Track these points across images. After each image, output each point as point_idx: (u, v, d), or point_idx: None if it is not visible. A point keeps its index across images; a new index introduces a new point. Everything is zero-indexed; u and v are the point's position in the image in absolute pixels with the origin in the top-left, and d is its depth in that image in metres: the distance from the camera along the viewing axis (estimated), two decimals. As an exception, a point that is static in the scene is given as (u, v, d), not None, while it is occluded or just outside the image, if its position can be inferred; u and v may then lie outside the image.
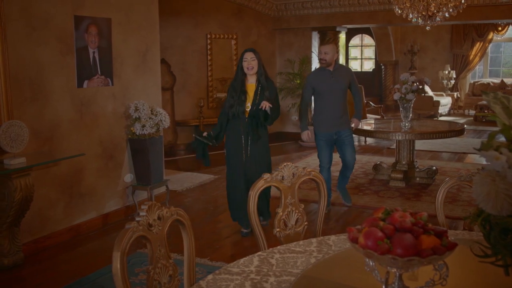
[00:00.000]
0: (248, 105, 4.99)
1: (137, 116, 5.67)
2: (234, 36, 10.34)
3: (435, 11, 6.51)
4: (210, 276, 2.04)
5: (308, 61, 10.86)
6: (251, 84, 5.03)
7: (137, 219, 1.93)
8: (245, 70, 4.94)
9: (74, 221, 5.27)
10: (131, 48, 5.90)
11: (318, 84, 5.66)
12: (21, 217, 4.43)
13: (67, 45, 5.07)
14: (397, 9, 6.86)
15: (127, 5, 5.81)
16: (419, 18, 6.73)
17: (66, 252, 4.89)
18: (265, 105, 4.86)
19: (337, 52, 5.75)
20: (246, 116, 5.00)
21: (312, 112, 5.97)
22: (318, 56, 5.62)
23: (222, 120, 5.11)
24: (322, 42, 11.09)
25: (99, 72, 5.46)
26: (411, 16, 6.77)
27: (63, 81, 5.06)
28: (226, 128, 5.11)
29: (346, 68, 5.94)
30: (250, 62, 4.92)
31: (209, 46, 9.95)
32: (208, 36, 9.92)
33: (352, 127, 5.92)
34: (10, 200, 4.26)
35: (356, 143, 10.82)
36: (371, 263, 1.63)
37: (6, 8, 4.37)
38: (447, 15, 6.64)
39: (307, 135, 5.80)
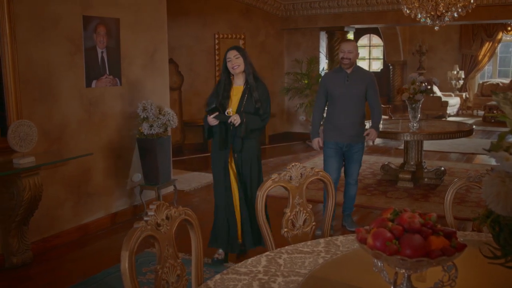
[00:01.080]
0: (230, 110, 4.34)
1: (145, 116, 5.68)
2: (242, 36, 10.34)
3: (443, 11, 6.48)
4: (218, 276, 2.04)
5: (316, 61, 10.84)
6: (238, 86, 4.42)
7: (145, 218, 1.94)
8: (231, 70, 4.36)
9: (82, 220, 5.30)
10: (139, 48, 5.91)
11: (332, 87, 5.07)
12: (30, 216, 4.45)
13: (75, 45, 5.09)
14: (405, 9, 6.84)
15: (135, 5, 5.82)
16: (428, 18, 6.70)
17: (74, 251, 4.90)
18: (234, 120, 4.22)
19: (358, 52, 5.15)
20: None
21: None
22: (340, 56, 4.97)
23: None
24: (330, 42, 11.06)
25: (108, 72, 5.47)
26: (419, 16, 6.74)
27: (72, 81, 5.08)
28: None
29: (365, 71, 5.24)
30: (234, 61, 4.32)
31: (217, 46, 9.95)
32: (216, 36, 9.92)
33: (367, 138, 5.27)
34: (19, 199, 4.28)
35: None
36: (379, 264, 1.62)
37: (15, 8, 4.39)
38: (456, 15, 6.61)
39: (317, 143, 5.21)
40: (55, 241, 4.96)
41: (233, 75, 4.41)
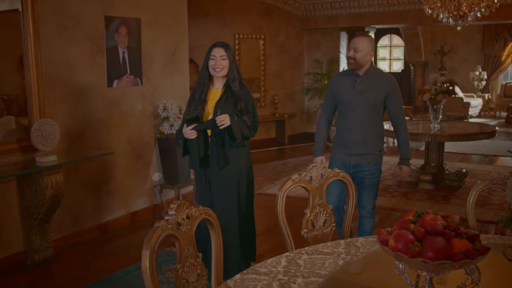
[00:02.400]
0: (210, 117, 3.70)
1: (166, 116, 5.72)
2: (262, 36, 10.34)
3: (466, 11, 6.40)
4: (237, 276, 2.04)
5: (336, 61, 10.80)
6: (217, 90, 3.76)
7: (166, 218, 1.95)
8: (211, 71, 3.68)
9: (102, 218, 5.34)
10: (160, 48, 5.94)
11: (339, 92, 4.07)
12: (51, 214, 4.51)
13: (97, 45, 5.14)
14: (427, 9, 6.77)
15: (156, 5, 5.86)
16: (450, 18, 6.62)
17: (95, 249, 4.95)
18: (221, 122, 3.58)
19: (374, 49, 4.04)
20: (208, 135, 3.69)
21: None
22: (346, 54, 4.09)
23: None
24: (350, 42, 10.97)
25: (129, 72, 5.51)
26: (441, 16, 6.67)
27: (93, 80, 5.13)
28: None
29: (384, 75, 4.14)
30: (219, 62, 3.65)
31: (237, 47, 9.97)
32: (236, 36, 9.94)
33: (398, 177, 4.25)
34: (41, 197, 4.34)
35: (384, 144, 10.73)
36: (400, 266, 1.61)
37: (39, 9, 4.45)
38: (479, 15, 6.52)
39: (320, 163, 3.54)
40: (76, 239, 5.01)
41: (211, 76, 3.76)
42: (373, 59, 4.04)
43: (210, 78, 3.76)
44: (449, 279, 1.75)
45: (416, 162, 7.97)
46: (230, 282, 1.99)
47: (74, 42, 4.90)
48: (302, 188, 2.76)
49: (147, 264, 1.82)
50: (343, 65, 11.06)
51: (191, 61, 8.79)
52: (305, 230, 2.70)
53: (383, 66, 18.70)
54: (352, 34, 10.92)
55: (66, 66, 4.85)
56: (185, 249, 2.00)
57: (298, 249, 2.37)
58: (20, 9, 4.34)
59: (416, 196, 6.61)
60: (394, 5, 10.16)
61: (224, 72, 3.70)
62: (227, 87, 3.74)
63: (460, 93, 13.69)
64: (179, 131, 3.75)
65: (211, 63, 3.68)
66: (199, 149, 3.66)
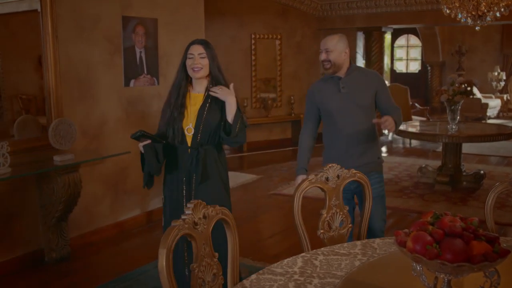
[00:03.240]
0: (190, 126, 3.24)
1: (182, 115, 5.73)
2: (279, 37, 10.33)
3: (485, 10, 6.34)
4: (253, 276, 2.04)
5: (352, 61, 10.74)
6: (198, 94, 3.28)
7: (183, 217, 1.95)
8: (189, 71, 3.23)
9: (119, 217, 5.38)
10: (177, 48, 5.96)
11: (322, 101, 3.59)
12: (68, 212, 4.55)
13: (115, 45, 5.18)
14: (445, 9, 6.71)
15: (173, 5, 5.88)
16: (469, 18, 6.56)
17: (111, 247, 4.98)
18: (219, 90, 3.19)
19: (347, 46, 3.58)
20: (188, 145, 3.24)
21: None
22: (319, 59, 3.60)
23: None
24: (367, 42, 10.92)
25: (145, 72, 5.55)
26: (460, 16, 6.61)
27: (111, 80, 5.17)
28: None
29: (368, 71, 3.76)
30: (197, 61, 3.20)
31: (253, 46, 9.98)
32: (253, 36, 9.95)
33: (382, 126, 3.44)
34: (59, 196, 4.38)
35: (400, 145, 10.68)
36: (418, 268, 1.59)
37: (58, 9, 4.49)
38: (498, 14, 6.45)
39: (301, 182, 2.96)
40: (92, 237, 5.05)
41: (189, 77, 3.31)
42: (388, 59, 3.76)
43: (188, 79, 3.31)
44: (468, 282, 1.73)
45: (433, 163, 7.91)
46: (246, 282, 1.99)
47: (92, 42, 4.94)
48: (318, 189, 2.75)
49: (164, 263, 1.82)
50: (360, 65, 11.00)
51: (207, 61, 8.82)
52: (322, 231, 2.69)
53: (400, 66, 18.59)
54: (369, 34, 10.89)
55: (84, 66, 4.89)
56: (201, 249, 2.00)
57: (314, 250, 2.36)
58: (39, 10, 4.39)
59: (433, 197, 6.55)
60: (412, 5, 10.09)
61: (204, 72, 3.25)
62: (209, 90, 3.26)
63: (478, 94, 13.55)
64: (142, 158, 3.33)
65: (188, 62, 3.24)
66: (158, 159, 3.26)
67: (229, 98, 3.20)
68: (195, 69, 3.21)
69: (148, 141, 3.20)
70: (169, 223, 3.01)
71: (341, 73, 3.55)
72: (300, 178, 3.49)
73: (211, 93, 3.20)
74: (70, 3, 4.70)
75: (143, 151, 3.26)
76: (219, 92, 3.18)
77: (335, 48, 3.50)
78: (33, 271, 4.39)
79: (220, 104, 3.24)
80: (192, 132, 3.23)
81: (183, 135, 3.25)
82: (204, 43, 3.29)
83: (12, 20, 4.61)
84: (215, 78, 3.29)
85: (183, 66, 3.27)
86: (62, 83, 4.60)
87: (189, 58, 3.24)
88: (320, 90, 3.65)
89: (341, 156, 3.47)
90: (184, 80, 3.30)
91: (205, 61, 3.24)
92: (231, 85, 3.25)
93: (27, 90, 4.92)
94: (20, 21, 4.74)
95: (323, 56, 3.52)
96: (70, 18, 4.71)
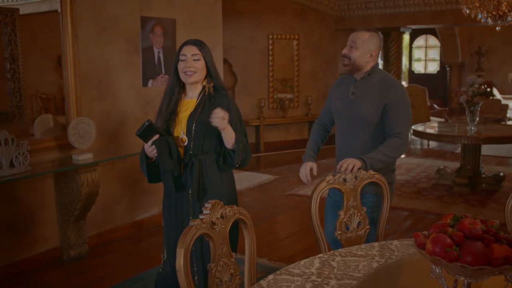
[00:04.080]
0: (182, 135, 2.85)
1: (199, 115, 5.75)
2: (296, 37, 10.32)
3: (506, 10, 6.26)
4: (271, 276, 2.04)
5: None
6: (190, 100, 2.91)
7: (201, 217, 1.96)
8: (182, 76, 2.84)
9: (136, 216, 5.41)
10: (194, 48, 5.99)
11: (333, 99, 3.27)
12: (87, 211, 4.59)
13: (133, 45, 5.21)
14: (465, 9, 6.64)
15: (191, 5, 5.90)
16: (489, 18, 6.49)
17: (128, 246, 5.01)
18: (219, 116, 2.67)
19: (378, 49, 3.13)
20: (181, 156, 2.87)
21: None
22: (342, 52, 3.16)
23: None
24: (385, 43, 10.84)
25: (163, 72, 5.57)
26: (480, 16, 6.54)
27: (129, 80, 5.20)
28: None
29: (386, 80, 3.11)
30: (190, 63, 2.80)
31: (270, 47, 9.98)
32: (270, 36, 9.95)
33: (339, 167, 2.85)
34: (77, 194, 4.42)
35: (417, 146, 10.60)
36: (437, 270, 1.58)
37: (77, 10, 4.54)
38: (519, 14, 6.37)
39: (306, 171, 3.19)
40: (110, 235, 5.09)
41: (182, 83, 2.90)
42: (406, 59, 3.05)
43: (181, 85, 2.91)
44: (488, 285, 1.71)
45: (452, 165, 7.83)
46: (263, 282, 1.99)
47: (111, 42, 4.98)
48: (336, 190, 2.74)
49: (181, 262, 1.83)
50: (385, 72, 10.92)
51: (225, 61, 8.84)
52: (339, 232, 2.68)
53: (418, 67, 18.44)
54: (388, 34, 10.81)
55: (102, 66, 4.93)
56: (218, 248, 2.01)
57: (332, 251, 2.35)
58: (59, 10, 4.44)
59: (451, 199, 6.48)
60: (431, 5, 10.00)
61: (198, 76, 2.84)
62: (203, 95, 2.88)
63: (498, 95, 13.37)
64: (142, 151, 2.91)
65: (180, 65, 2.83)
66: (171, 154, 2.79)
67: (222, 127, 2.71)
68: (188, 73, 2.81)
69: (157, 136, 2.76)
70: (167, 243, 3.02)
71: (359, 75, 3.11)
72: (307, 165, 3.16)
73: (216, 116, 2.67)
74: (90, 4, 4.74)
75: (151, 152, 2.79)
76: (222, 118, 2.67)
77: (362, 45, 3.05)
78: (52, 269, 4.44)
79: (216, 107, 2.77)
80: (186, 142, 2.84)
81: (175, 146, 2.85)
82: (199, 43, 2.89)
83: (32, 21, 4.67)
84: (213, 81, 2.90)
85: (175, 70, 2.87)
86: (81, 83, 4.64)
87: (181, 60, 2.83)
88: (336, 88, 3.30)
89: (337, 161, 3.12)
90: (177, 86, 2.90)
91: (200, 64, 2.83)
92: (218, 110, 2.68)
93: (47, 89, 4.97)
94: (40, 21, 4.80)
95: (345, 50, 3.11)
96: (90, 19, 4.75)
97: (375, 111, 3.02)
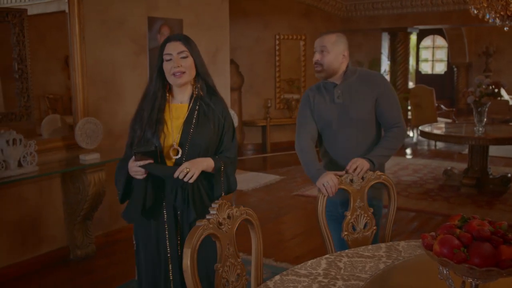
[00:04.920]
0: (174, 146, 2.47)
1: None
2: (303, 37, 10.31)
3: (514, 11, 6.22)
4: (277, 277, 2.04)
5: (377, 63, 10.67)
6: (181, 104, 2.54)
7: (207, 217, 1.96)
8: (170, 79, 2.48)
9: (143, 216, 5.41)
10: (201, 48, 5.92)
11: (318, 109, 3.03)
12: (94, 210, 4.60)
13: (140, 46, 5.22)
14: (473, 9, 6.61)
15: (198, 6, 5.91)
16: (497, 19, 6.45)
17: (135, 246, 5.02)
18: (185, 174, 2.34)
19: (347, 48, 3.02)
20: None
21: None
22: (313, 60, 3.04)
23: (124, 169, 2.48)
24: (392, 43, 10.81)
25: (170, 72, 5.58)
26: (488, 16, 6.50)
27: (136, 80, 5.21)
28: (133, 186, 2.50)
29: (368, 75, 3.05)
30: (178, 62, 2.45)
31: (277, 47, 9.97)
32: (277, 37, 9.94)
33: (348, 168, 2.78)
34: (85, 194, 4.43)
35: (425, 147, 10.56)
36: (445, 272, 1.57)
37: (85, 10, 4.55)
38: (527, 15, 6.33)
39: (330, 183, 2.69)
40: (117, 235, 5.10)
41: (169, 83, 2.53)
42: (413, 60, 2.91)
43: (166, 88, 2.54)
44: (496, 287, 1.70)
45: (459, 166, 7.80)
46: (270, 282, 1.99)
47: (118, 42, 4.99)
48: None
49: (188, 262, 1.83)
50: (385, 67, 10.91)
51: (232, 61, 8.85)
52: (345, 233, 2.68)
53: (426, 67, 18.37)
54: (394, 35, 10.77)
55: (109, 66, 4.94)
56: (225, 249, 2.01)
57: (338, 252, 2.35)
58: (66, 11, 4.46)
59: (458, 200, 6.46)
60: (438, 5, 9.97)
61: (188, 76, 2.50)
62: (196, 99, 2.54)
63: (505, 96, 13.31)
64: (121, 165, 2.52)
65: (166, 66, 2.46)
66: (146, 195, 2.44)
67: (197, 172, 2.38)
68: (177, 74, 2.44)
69: (150, 160, 2.36)
70: (143, 274, 2.55)
71: (337, 79, 2.98)
72: (325, 179, 2.71)
73: (182, 175, 2.34)
74: (97, 5, 4.76)
75: (137, 173, 2.38)
76: (190, 173, 2.35)
77: (333, 48, 2.94)
78: (59, 268, 4.45)
79: (212, 117, 2.52)
80: (179, 155, 2.44)
81: (163, 159, 2.45)
82: (183, 39, 2.54)
83: (40, 21, 4.69)
84: (204, 81, 2.59)
85: (159, 71, 2.50)
86: (89, 83, 4.65)
87: (167, 60, 2.46)
88: (315, 96, 3.06)
89: (317, 174, 2.82)
90: (160, 90, 2.51)
91: (188, 62, 2.48)
92: (181, 169, 2.35)
93: (54, 89, 5.00)
94: (48, 22, 4.82)
95: (316, 56, 2.97)
96: (97, 19, 4.76)
97: (367, 107, 2.94)
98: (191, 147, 2.47)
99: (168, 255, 2.50)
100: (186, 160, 2.42)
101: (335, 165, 2.98)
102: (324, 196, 2.64)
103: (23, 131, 4.08)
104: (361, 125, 2.95)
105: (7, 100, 4.37)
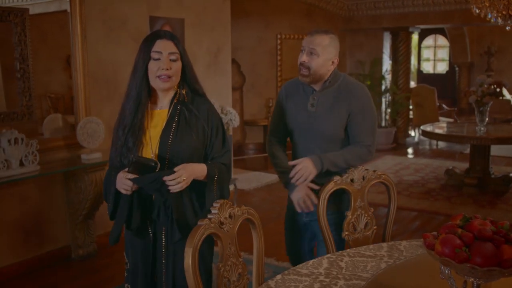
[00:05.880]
0: (152, 158, 2.21)
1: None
2: (304, 37, 10.28)
3: (516, 10, 6.21)
4: (279, 276, 2.04)
5: (379, 62, 10.66)
6: (161, 110, 2.30)
7: (209, 216, 1.96)
8: (153, 81, 2.23)
9: (144, 216, 5.42)
10: (203, 48, 6.00)
11: (289, 112, 2.84)
12: (95, 210, 4.61)
13: (142, 45, 5.22)
14: (474, 9, 6.60)
15: (199, 6, 5.91)
16: (499, 18, 6.44)
17: (137, 246, 5.02)
18: (175, 182, 2.11)
19: (338, 53, 2.79)
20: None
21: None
22: (299, 59, 2.74)
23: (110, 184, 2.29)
24: (394, 43, 10.80)
25: (172, 72, 5.57)
26: (490, 15, 6.49)
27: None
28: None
29: (349, 87, 2.76)
30: (167, 64, 2.19)
31: (279, 47, 9.97)
32: (278, 36, 9.94)
33: (293, 175, 2.66)
34: (86, 194, 4.44)
35: (426, 146, 10.55)
36: (446, 271, 1.57)
37: (86, 10, 4.56)
38: (529, 14, 6.32)
39: (302, 198, 2.71)
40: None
41: (150, 86, 2.27)
42: (415, 59, 2.64)
43: (150, 91, 2.27)
44: (497, 287, 1.70)
45: (461, 166, 7.79)
46: (271, 282, 1.99)
47: (119, 42, 4.99)
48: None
49: (190, 262, 1.83)
50: (386, 66, 10.89)
51: (233, 61, 8.85)
52: (346, 233, 2.67)
53: (427, 67, 18.35)
54: (396, 34, 10.75)
55: (111, 66, 4.94)
56: (227, 248, 2.01)
57: (340, 251, 2.35)
58: (68, 10, 4.46)
59: (460, 200, 6.45)
60: (440, 5, 9.95)
61: (174, 82, 2.24)
62: (177, 104, 2.28)
63: (507, 95, 13.29)
64: (109, 174, 2.31)
65: (153, 66, 2.19)
66: (132, 212, 2.21)
67: (188, 180, 2.16)
68: (163, 77, 2.18)
69: (137, 177, 2.13)
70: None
71: (317, 85, 2.74)
72: (303, 192, 2.69)
73: (172, 183, 2.11)
74: (99, 4, 4.76)
75: (127, 187, 2.14)
76: (180, 180, 2.12)
77: (323, 52, 2.67)
78: (60, 268, 4.46)
79: (195, 124, 2.25)
80: (158, 168, 2.14)
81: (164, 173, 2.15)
82: (175, 38, 2.27)
83: (42, 21, 4.69)
84: (192, 88, 2.32)
85: (144, 71, 2.22)
86: (90, 83, 4.66)
87: (155, 59, 2.19)
88: (289, 96, 2.84)
89: (291, 184, 2.75)
90: (144, 92, 2.24)
91: (177, 65, 2.22)
92: (173, 176, 2.12)
93: (56, 89, 5.00)
94: (50, 21, 4.82)
95: (303, 57, 2.68)
96: (99, 19, 4.77)
97: (337, 122, 2.70)
98: (172, 158, 2.20)
99: (155, 274, 2.32)
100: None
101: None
102: (325, 197, 2.64)
103: (24, 131, 4.08)
104: (328, 138, 2.74)
105: (9, 100, 4.37)
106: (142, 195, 2.22)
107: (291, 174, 2.64)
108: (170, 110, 2.26)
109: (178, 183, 2.10)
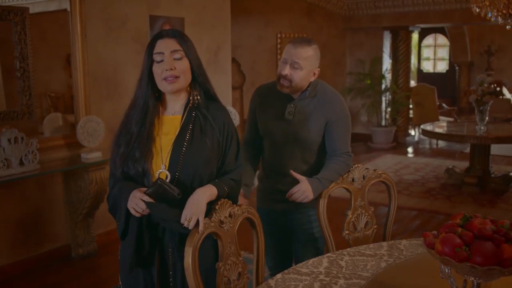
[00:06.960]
0: (163, 170, 2.03)
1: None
2: (305, 36, 10.30)
3: (516, 9, 6.21)
4: (279, 275, 2.04)
5: (379, 61, 10.66)
6: (173, 116, 2.13)
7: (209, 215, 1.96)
8: (160, 84, 2.08)
9: (144, 215, 5.42)
10: (203, 47, 5.99)
11: (263, 118, 2.78)
12: (95, 209, 4.61)
13: (142, 44, 5.21)
14: (475, 8, 6.59)
15: (199, 4, 5.91)
16: (499, 17, 6.43)
17: (137, 244, 5.02)
18: (190, 221, 1.92)
19: (318, 67, 2.69)
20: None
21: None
22: (278, 70, 2.66)
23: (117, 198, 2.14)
24: (394, 42, 10.80)
25: (172, 71, 5.57)
26: (490, 14, 6.49)
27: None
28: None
29: (326, 97, 2.71)
30: (170, 64, 2.03)
31: (279, 46, 9.96)
32: (279, 35, 9.93)
33: (289, 195, 2.61)
34: (86, 193, 4.44)
35: (426, 145, 10.55)
36: (446, 270, 1.57)
37: (86, 9, 4.56)
38: (529, 13, 6.31)
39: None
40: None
41: (158, 90, 2.12)
42: (415, 59, 2.59)
43: (158, 96, 2.14)
44: (497, 286, 1.70)
45: (461, 165, 7.80)
46: (271, 281, 1.99)
47: (119, 41, 4.99)
48: (343, 189, 2.73)
49: (190, 261, 1.84)
50: (386, 65, 10.89)
51: (233, 60, 8.85)
52: (347, 232, 2.68)
53: (427, 66, 18.35)
54: (396, 33, 10.75)
55: (111, 65, 4.94)
56: (227, 247, 2.01)
57: (340, 250, 2.35)
58: (68, 9, 4.46)
59: (460, 199, 6.46)
60: (440, 4, 9.95)
61: (183, 82, 2.06)
62: (191, 109, 2.10)
63: (507, 94, 13.29)
64: (112, 192, 2.17)
65: (157, 68, 2.06)
66: (143, 240, 2.05)
67: (202, 213, 1.97)
68: (169, 78, 2.02)
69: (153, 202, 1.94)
70: None
71: (296, 94, 2.69)
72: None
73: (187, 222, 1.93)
74: (99, 3, 4.76)
75: (136, 213, 1.98)
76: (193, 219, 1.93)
77: (305, 65, 2.59)
78: (60, 266, 4.46)
79: (210, 132, 2.07)
80: (168, 179, 2.00)
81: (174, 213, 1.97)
82: (179, 35, 2.08)
83: (42, 19, 4.69)
84: (203, 88, 2.13)
85: (148, 74, 2.09)
86: (90, 82, 4.66)
87: (157, 61, 2.05)
88: (264, 102, 2.78)
89: (270, 183, 2.83)
90: (151, 97, 2.09)
91: (183, 64, 2.04)
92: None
93: (56, 88, 4.99)
94: (50, 20, 4.82)
95: (287, 70, 2.59)
96: (99, 18, 4.77)
97: (319, 132, 2.68)
98: (184, 169, 2.02)
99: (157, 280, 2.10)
100: (177, 187, 1.95)
101: (277, 173, 2.77)
102: (325, 196, 2.64)
103: (24, 130, 4.08)
104: (306, 144, 2.69)
105: (8, 99, 4.37)
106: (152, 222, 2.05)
107: (287, 195, 2.59)
108: (184, 116, 2.08)
109: (192, 218, 1.92)
